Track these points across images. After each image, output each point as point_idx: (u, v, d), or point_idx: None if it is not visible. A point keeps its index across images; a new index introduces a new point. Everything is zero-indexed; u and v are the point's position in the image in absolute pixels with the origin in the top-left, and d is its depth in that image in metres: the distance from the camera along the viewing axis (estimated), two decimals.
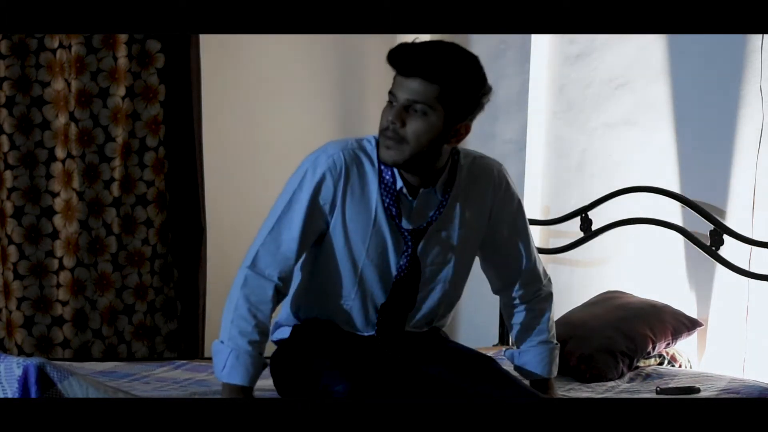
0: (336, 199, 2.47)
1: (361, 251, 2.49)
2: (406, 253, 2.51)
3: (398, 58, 2.36)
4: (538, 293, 2.73)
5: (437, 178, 2.49)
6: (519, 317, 2.73)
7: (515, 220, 2.64)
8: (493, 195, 2.58)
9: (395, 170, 2.46)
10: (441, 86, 2.36)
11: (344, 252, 2.50)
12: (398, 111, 2.37)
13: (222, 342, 2.46)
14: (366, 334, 2.57)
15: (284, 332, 2.63)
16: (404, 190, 2.47)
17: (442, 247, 2.55)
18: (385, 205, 2.47)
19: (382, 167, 2.47)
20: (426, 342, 2.60)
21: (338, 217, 2.48)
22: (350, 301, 2.54)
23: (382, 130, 2.41)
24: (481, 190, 2.57)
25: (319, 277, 2.56)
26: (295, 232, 2.46)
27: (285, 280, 2.47)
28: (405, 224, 2.49)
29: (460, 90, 2.39)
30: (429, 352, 2.56)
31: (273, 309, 2.45)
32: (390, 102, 2.40)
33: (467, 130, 2.49)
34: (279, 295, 2.46)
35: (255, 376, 2.42)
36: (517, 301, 2.73)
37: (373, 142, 2.50)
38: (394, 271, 2.52)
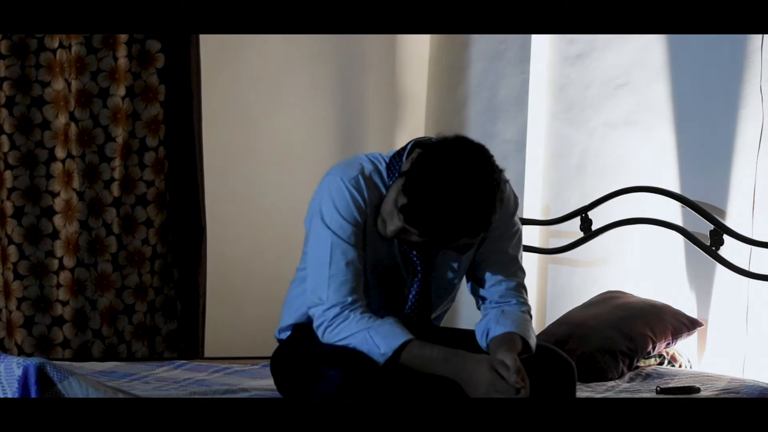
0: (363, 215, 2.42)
1: (371, 273, 2.46)
2: (416, 282, 2.49)
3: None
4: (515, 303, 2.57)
5: None
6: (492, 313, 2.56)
7: (510, 241, 2.55)
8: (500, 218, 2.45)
9: None
10: None
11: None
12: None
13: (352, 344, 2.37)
14: None
15: (286, 332, 2.64)
16: None
17: (450, 273, 2.53)
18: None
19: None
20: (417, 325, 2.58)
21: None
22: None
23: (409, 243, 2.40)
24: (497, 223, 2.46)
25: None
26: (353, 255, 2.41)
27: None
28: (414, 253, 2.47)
29: None
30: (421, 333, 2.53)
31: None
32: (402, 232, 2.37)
33: None
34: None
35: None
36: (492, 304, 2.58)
37: (383, 164, 2.46)
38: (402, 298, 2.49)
